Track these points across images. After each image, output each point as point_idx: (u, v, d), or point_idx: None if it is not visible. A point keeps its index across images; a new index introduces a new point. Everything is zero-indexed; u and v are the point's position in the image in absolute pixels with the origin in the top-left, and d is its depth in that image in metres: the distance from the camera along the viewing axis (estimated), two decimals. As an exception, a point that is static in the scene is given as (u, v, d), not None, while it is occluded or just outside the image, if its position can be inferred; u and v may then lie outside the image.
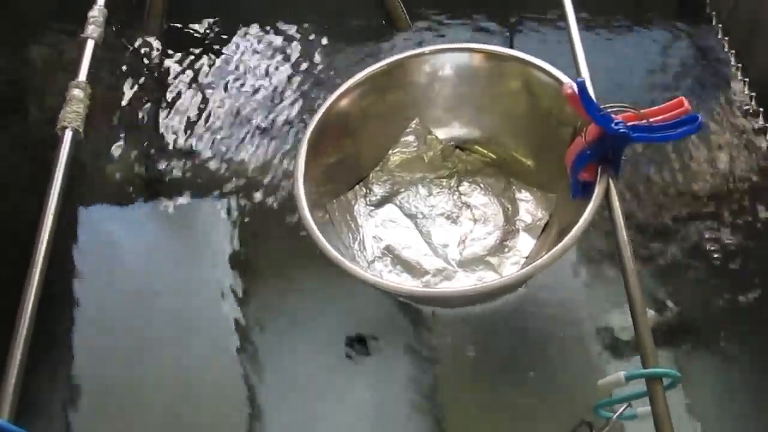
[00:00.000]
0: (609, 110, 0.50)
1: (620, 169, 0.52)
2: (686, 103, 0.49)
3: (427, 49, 0.61)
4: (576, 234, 0.49)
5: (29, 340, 0.43)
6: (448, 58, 0.61)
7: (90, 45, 0.60)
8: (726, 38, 0.78)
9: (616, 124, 0.49)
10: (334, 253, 0.51)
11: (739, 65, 0.75)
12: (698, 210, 0.67)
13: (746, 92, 0.73)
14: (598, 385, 0.45)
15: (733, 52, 0.76)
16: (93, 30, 0.61)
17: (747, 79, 0.73)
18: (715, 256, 0.64)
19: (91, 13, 0.61)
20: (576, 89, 0.49)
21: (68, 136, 0.54)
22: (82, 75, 0.58)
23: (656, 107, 0.50)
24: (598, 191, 0.50)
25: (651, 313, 0.61)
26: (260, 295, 0.65)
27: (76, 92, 0.56)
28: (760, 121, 0.71)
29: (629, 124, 0.49)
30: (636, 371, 0.43)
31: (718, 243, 0.64)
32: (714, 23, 0.80)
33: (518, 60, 0.59)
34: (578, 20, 0.57)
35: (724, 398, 0.58)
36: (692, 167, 0.69)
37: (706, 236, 0.65)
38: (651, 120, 0.50)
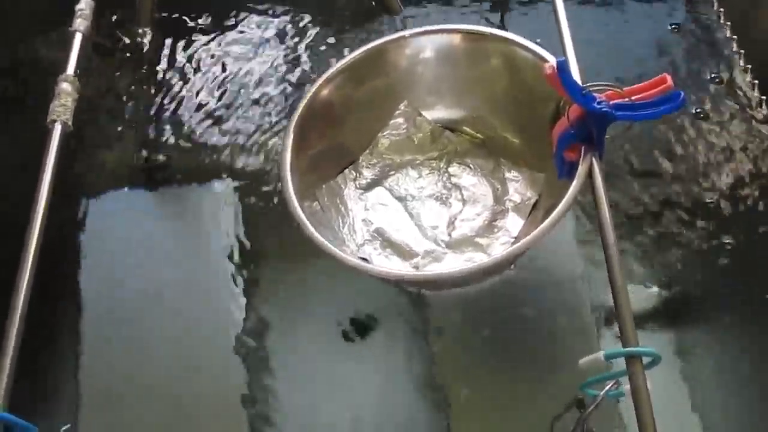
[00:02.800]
0: (591, 89, 0.50)
1: (603, 148, 0.51)
2: (669, 80, 0.49)
3: (407, 32, 0.61)
4: (558, 215, 0.49)
5: (21, 332, 0.45)
6: (429, 41, 0.60)
7: (78, 38, 0.61)
8: (722, 10, 0.77)
9: (599, 103, 0.49)
10: (319, 239, 0.52)
11: (734, 37, 0.74)
12: (692, 190, 0.66)
13: (747, 78, 0.72)
14: (579, 364, 0.45)
15: (729, 24, 0.75)
16: (80, 23, 0.61)
17: (746, 61, 0.72)
18: (705, 233, 0.64)
19: (78, 6, 0.62)
20: (556, 68, 0.49)
21: (57, 129, 0.55)
22: (70, 68, 0.58)
23: (639, 85, 0.50)
24: (580, 171, 0.50)
25: (653, 290, 0.61)
26: (261, 282, 0.66)
27: (65, 86, 0.57)
28: (756, 93, 0.70)
29: (612, 102, 0.49)
30: (615, 350, 0.43)
31: (707, 219, 0.64)
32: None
33: (499, 38, 0.59)
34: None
35: (720, 376, 0.58)
36: (689, 151, 0.69)
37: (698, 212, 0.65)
38: (633, 98, 0.49)
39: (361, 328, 0.62)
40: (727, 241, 0.63)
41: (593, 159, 0.50)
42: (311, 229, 0.52)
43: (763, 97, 0.69)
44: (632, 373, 0.42)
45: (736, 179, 0.66)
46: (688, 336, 0.60)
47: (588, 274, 0.62)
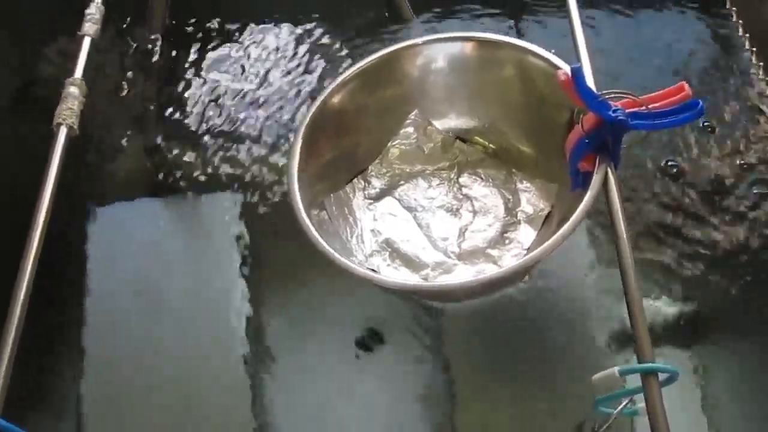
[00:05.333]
0: (606, 97, 0.48)
1: (619, 158, 0.50)
2: (687, 88, 0.47)
3: (419, 39, 0.60)
4: (571, 226, 0.47)
5: (18, 339, 0.44)
6: (441, 48, 0.59)
7: (87, 42, 0.60)
8: (740, 22, 0.75)
9: (614, 111, 0.47)
10: (327, 249, 0.51)
11: (753, 49, 0.73)
12: (710, 202, 0.65)
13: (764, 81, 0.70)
14: (593, 380, 0.44)
15: (748, 35, 0.74)
16: (89, 27, 0.60)
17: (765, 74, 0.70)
18: (725, 247, 0.62)
19: (88, 11, 0.61)
20: (570, 75, 0.47)
21: (63, 132, 0.54)
22: (78, 72, 0.58)
23: (656, 93, 0.48)
24: (595, 181, 0.48)
25: (669, 304, 0.60)
26: (268, 292, 0.65)
27: (72, 89, 0.56)
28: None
29: (628, 111, 0.48)
30: (630, 366, 0.41)
31: (727, 235, 0.62)
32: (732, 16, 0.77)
33: (512, 46, 0.57)
34: (585, 3, 0.56)
35: (737, 393, 0.57)
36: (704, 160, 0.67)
37: (718, 228, 0.63)
38: (650, 106, 0.48)
39: (370, 341, 0.61)
40: (745, 258, 0.61)
41: (608, 169, 0.49)
42: (318, 238, 0.51)
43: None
44: (648, 391, 0.41)
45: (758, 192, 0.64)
46: (706, 352, 0.58)
47: (602, 286, 0.61)
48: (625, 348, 0.58)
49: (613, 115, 0.47)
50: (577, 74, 0.47)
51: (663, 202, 0.65)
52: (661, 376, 0.41)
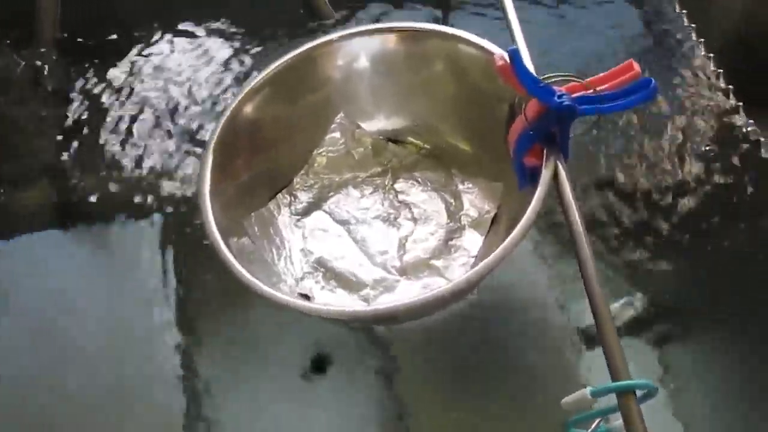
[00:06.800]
0: (549, 81, 0.43)
1: (569, 149, 0.45)
2: (636, 66, 0.43)
3: (334, 35, 0.53)
4: (523, 229, 0.42)
5: None
6: (361, 43, 0.53)
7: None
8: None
9: (559, 96, 0.42)
10: (250, 280, 0.44)
11: (693, 25, 0.69)
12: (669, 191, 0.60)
13: (711, 67, 0.66)
14: (562, 404, 0.39)
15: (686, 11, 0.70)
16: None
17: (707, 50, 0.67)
18: (684, 240, 0.58)
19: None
20: (508, 59, 0.42)
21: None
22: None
23: (603, 74, 0.44)
24: (544, 177, 0.43)
25: (626, 304, 0.55)
26: (199, 324, 0.58)
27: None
28: (722, 83, 0.65)
29: (574, 95, 0.43)
30: (603, 386, 0.36)
31: (684, 228, 0.58)
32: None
33: (439, 34, 0.52)
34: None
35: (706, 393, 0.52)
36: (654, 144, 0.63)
37: (672, 221, 0.59)
38: (598, 89, 0.43)
39: (315, 367, 0.54)
40: (709, 248, 0.57)
41: (557, 162, 0.44)
42: (241, 270, 0.45)
43: (730, 87, 0.64)
44: (626, 410, 0.36)
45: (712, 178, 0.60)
46: (675, 354, 0.53)
47: (558, 290, 0.56)
48: (589, 355, 0.53)
49: (559, 100, 0.42)
50: (515, 57, 0.41)
51: (607, 197, 0.61)
52: (638, 392, 0.36)
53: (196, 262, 0.61)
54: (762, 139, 0.61)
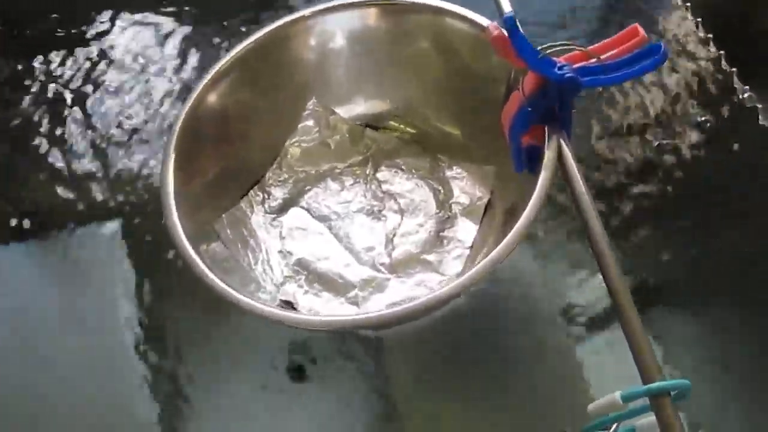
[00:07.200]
0: (549, 52, 0.39)
1: (571, 126, 0.41)
2: (642, 31, 0.39)
3: (306, 11, 0.48)
4: (529, 216, 0.38)
5: None
6: (336, 20, 0.49)
7: None
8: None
9: (560, 68, 0.38)
10: (223, 288, 0.39)
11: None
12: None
13: (701, 34, 0.63)
14: (589, 410, 0.35)
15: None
16: None
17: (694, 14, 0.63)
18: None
19: None
20: (504, 30, 0.38)
21: None
22: None
23: (606, 41, 0.40)
24: (548, 158, 0.39)
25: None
26: (171, 334, 0.52)
27: None
28: (713, 49, 0.62)
29: (576, 66, 0.39)
30: (636, 389, 0.32)
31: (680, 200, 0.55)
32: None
33: (423, 8, 0.47)
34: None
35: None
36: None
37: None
38: (602, 57, 0.39)
39: (297, 371, 0.50)
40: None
41: (561, 141, 0.40)
42: (214, 279, 0.40)
43: (721, 52, 0.61)
44: (661, 414, 0.32)
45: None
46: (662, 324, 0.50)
47: (558, 283, 0.52)
48: (591, 344, 0.50)
49: (560, 72, 0.38)
50: (511, 25, 0.37)
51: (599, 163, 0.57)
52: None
53: (163, 270, 0.56)
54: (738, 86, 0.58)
